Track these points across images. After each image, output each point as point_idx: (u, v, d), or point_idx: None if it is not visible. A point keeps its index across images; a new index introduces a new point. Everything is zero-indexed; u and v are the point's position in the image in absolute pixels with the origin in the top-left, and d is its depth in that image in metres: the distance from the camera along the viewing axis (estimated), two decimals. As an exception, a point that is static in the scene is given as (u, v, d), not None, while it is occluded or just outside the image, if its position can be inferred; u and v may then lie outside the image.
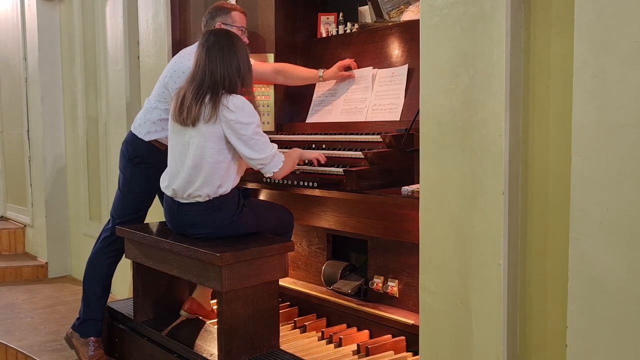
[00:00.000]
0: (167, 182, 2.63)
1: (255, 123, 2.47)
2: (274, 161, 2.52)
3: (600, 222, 1.59)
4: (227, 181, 2.53)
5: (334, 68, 3.05)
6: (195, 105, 2.46)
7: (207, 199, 2.52)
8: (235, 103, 2.45)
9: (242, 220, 2.59)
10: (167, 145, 2.78)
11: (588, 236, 1.62)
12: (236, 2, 3.35)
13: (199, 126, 2.47)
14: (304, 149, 2.93)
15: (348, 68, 3.11)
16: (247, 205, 2.61)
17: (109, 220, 3.02)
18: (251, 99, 2.56)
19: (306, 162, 2.75)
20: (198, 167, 2.49)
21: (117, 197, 2.99)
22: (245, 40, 2.97)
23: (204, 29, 2.94)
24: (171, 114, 2.60)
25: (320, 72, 3.10)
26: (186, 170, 2.53)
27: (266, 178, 2.87)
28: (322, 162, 2.72)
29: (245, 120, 2.45)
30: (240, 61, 2.54)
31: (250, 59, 3.02)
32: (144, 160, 2.91)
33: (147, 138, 2.89)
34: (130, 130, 2.96)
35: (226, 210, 2.55)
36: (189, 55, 2.83)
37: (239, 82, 2.52)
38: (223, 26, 2.85)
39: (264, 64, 3.15)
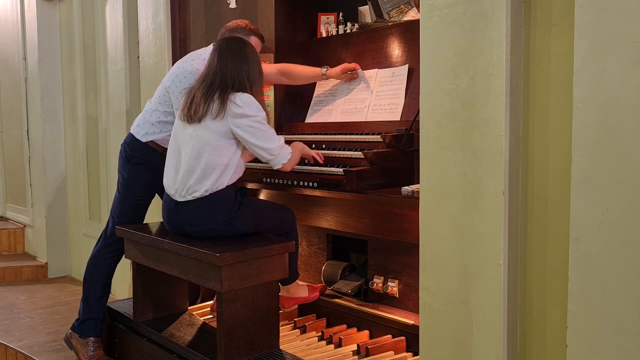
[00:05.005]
0: (167, 178, 2.65)
1: (262, 116, 2.55)
2: (283, 152, 2.59)
3: (600, 222, 1.59)
4: (225, 178, 2.55)
5: (338, 69, 3.05)
6: (204, 103, 2.53)
7: (205, 194, 2.53)
8: (242, 99, 2.52)
9: (240, 217, 2.59)
10: (164, 147, 2.80)
11: (588, 236, 1.62)
12: (236, 2, 3.35)
13: (205, 122, 2.52)
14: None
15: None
16: (244, 203, 2.62)
17: (109, 221, 3.02)
18: (259, 99, 2.61)
19: (306, 161, 2.79)
20: (198, 162, 2.52)
21: (116, 198, 3.00)
22: None
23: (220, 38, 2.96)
24: (179, 112, 2.65)
25: (324, 70, 3.10)
26: (186, 165, 2.55)
27: (266, 178, 2.88)
28: (320, 162, 2.76)
29: (251, 113, 2.51)
30: (250, 66, 2.62)
31: None
32: (141, 161, 2.92)
33: (144, 139, 2.90)
34: (130, 132, 2.98)
35: (223, 207, 2.55)
36: (192, 59, 2.88)
37: (247, 84, 2.59)
38: None
39: (268, 66, 3.16)
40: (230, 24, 3.00)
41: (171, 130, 2.75)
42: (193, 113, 2.54)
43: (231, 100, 2.51)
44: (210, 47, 2.86)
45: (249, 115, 2.50)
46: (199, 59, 2.85)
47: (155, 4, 3.61)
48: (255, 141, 2.52)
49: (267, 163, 2.64)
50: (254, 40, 2.96)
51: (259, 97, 2.63)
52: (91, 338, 2.92)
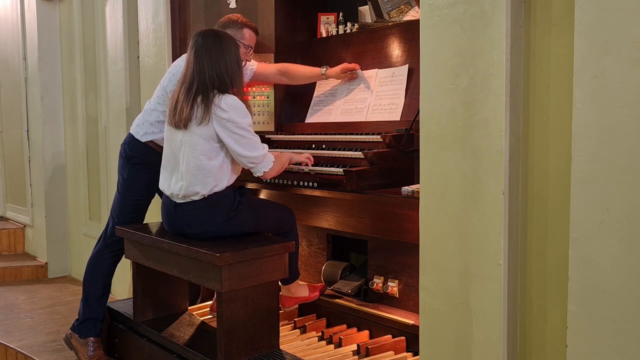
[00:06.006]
0: (164, 184, 2.65)
1: (248, 122, 2.50)
2: (265, 161, 2.55)
3: (600, 222, 1.59)
4: (221, 180, 2.54)
5: (338, 69, 3.05)
6: (187, 107, 2.49)
7: (202, 197, 2.53)
8: (227, 102, 2.47)
9: (239, 217, 2.59)
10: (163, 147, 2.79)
11: (588, 236, 1.62)
12: (236, 2, 3.35)
13: (191, 128, 2.49)
14: (304, 148, 2.94)
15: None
16: (243, 203, 2.61)
17: (109, 221, 3.02)
18: (242, 98, 2.56)
19: (296, 164, 2.79)
20: (191, 167, 2.51)
21: (116, 198, 3.00)
22: (249, 58, 2.98)
23: None
24: (167, 117, 2.63)
25: (323, 69, 3.10)
26: (180, 171, 2.55)
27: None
28: (310, 164, 2.75)
29: (237, 119, 2.46)
30: (227, 61, 2.54)
31: (256, 62, 3.04)
32: (140, 161, 2.92)
33: (144, 139, 2.90)
34: (129, 132, 2.98)
35: (222, 207, 2.55)
36: None
37: (228, 81, 2.53)
38: None
39: (268, 66, 3.16)
40: (223, 19, 2.99)
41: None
42: (178, 119, 2.50)
43: (216, 104, 2.45)
44: None
45: (234, 121, 2.45)
46: None
47: (155, 4, 3.61)
48: (238, 148, 2.48)
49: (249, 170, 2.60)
50: (248, 33, 2.95)
51: (241, 94, 2.57)
52: (91, 338, 2.91)
